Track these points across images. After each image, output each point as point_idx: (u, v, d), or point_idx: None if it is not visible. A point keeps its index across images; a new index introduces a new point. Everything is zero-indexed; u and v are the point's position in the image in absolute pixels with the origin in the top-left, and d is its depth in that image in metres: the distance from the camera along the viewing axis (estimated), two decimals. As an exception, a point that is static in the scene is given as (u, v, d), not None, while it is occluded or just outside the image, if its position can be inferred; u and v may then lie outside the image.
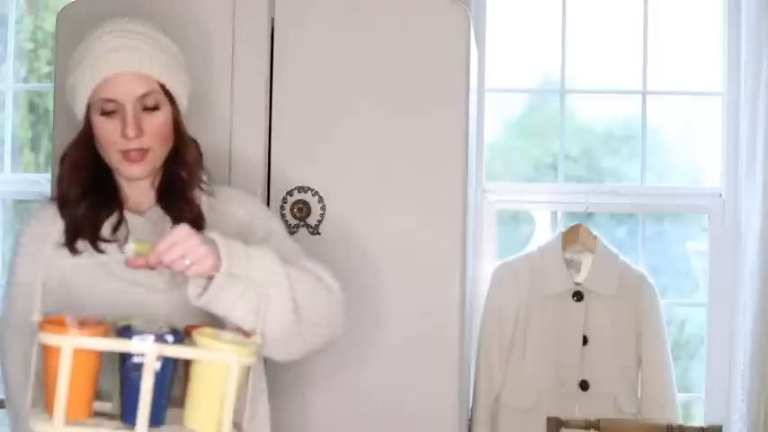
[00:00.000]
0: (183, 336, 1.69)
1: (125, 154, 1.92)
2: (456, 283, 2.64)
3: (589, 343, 3.23)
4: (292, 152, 2.64)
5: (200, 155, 2.04)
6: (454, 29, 2.65)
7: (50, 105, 3.08)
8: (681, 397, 3.32)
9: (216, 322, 1.79)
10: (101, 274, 1.94)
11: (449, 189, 2.64)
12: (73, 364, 1.61)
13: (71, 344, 1.61)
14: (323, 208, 2.63)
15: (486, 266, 3.45)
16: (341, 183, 2.64)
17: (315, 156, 2.65)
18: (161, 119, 1.94)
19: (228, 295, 1.76)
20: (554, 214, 3.61)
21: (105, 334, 1.65)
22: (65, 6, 2.73)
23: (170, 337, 1.65)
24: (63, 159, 2.00)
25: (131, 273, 1.87)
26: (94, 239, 1.94)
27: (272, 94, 2.65)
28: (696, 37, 3.59)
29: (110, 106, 1.91)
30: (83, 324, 1.65)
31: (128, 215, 1.98)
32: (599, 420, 2.79)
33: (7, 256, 3.76)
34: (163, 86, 1.94)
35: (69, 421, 1.64)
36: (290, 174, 2.63)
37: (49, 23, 3.72)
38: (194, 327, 1.74)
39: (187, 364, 1.68)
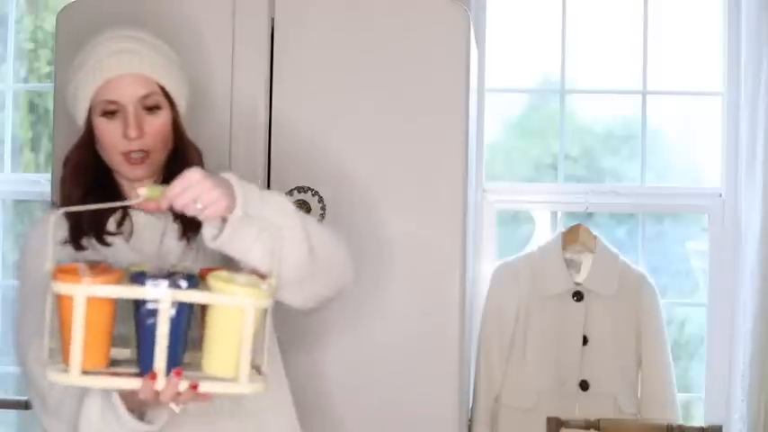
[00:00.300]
0: (197, 280, 1.69)
1: (126, 156, 1.93)
2: (456, 283, 2.64)
3: (589, 343, 3.23)
4: (292, 152, 2.64)
5: (200, 156, 2.04)
6: (454, 29, 2.65)
7: (50, 105, 3.08)
8: (681, 397, 3.32)
9: (231, 266, 1.78)
10: None
11: (449, 189, 2.64)
12: (87, 313, 1.61)
13: (84, 292, 1.60)
14: (323, 208, 2.63)
15: (486, 266, 3.45)
16: (341, 183, 2.64)
17: (315, 156, 2.64)
18: (161, 120, 1.96)
19: (244, 237, 1.76)
20: (554, 214, 3.61)
21: (118, 281, 1.65)
22: (65, 6, 2.73)
23: (183, 283, 1.65)
24: (65, 163, 2.01)
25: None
26: (100, 234, 1.95)
27: (272, 94, 2.65)
28: (696, 37, 3.59)
29: (111, 107, 1.93)
30: (96, 271, 1.64)
31: (132, 212, 1.99)
32: (599, 420, 2.79)
33: (8, 256, 3.77)
34: (162, 88, 1.96)
35: (86, 371, 1.63)
36: (290, 174, 2.63)
37: (49, 23, 3.72)
38: (210, 270, 1.73)
39: (204, 307, 1.68)
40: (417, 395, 2.62)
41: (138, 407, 1.75)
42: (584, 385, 3.21)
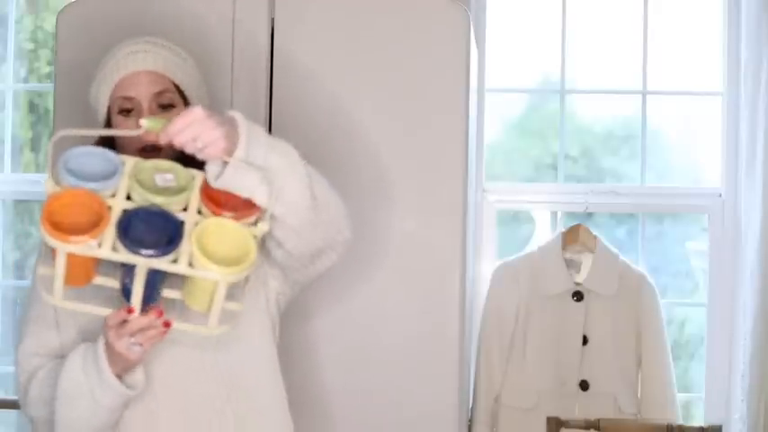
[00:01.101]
0: (179, 236, 1.76)
1: (142, 152, 1.95)
2: (456, 283, 2.64)
3: (589, 343, 3.23)
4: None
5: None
6: (454, 29, 2.65)
7: (50, 105, 3.08)
8: (681, 397, 3.32)
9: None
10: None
11: (449, 189, 2.64)
12: (70, 255, 1.73)
13: (65, 250, 1.72)
14: (323, 208, 2.62)
15: (486, 266, 3.45)
16: (341, 183, 2.63)
17: (315, 156, 2.64)
18: (175, 116, 1.96)
19: (247, 178, 1.79)
20: (554, 214, 3.61)
21: (107, 222, 1.74)
22: (65, 6, 2.73)
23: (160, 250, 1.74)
24: None
25: None
26: None
27: (272, 94, 2.65)
28: (696, 37, 3.59)
29: (127, 104, 2.00)
30: (88, 209, 1.75)
31: None
32: (599, 420, 2.79)
33: (8, 256, 3.77)
34: (177, 87, 2.03)
35: (69, 292, 1.78)
36: (290, 174, 2.63)
37: (49, 23, 3.72)
38: (212, 198, 1.80)
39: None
40: (417, 395, 2.62)
41: (119, 370, 1.83)
42: (584, 385, 3.21)
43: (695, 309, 3.71)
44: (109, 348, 1.82)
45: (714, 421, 3.17)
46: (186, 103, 2.03)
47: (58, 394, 1.88)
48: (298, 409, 2.46)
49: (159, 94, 2.00)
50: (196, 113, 1.76)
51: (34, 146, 3.83)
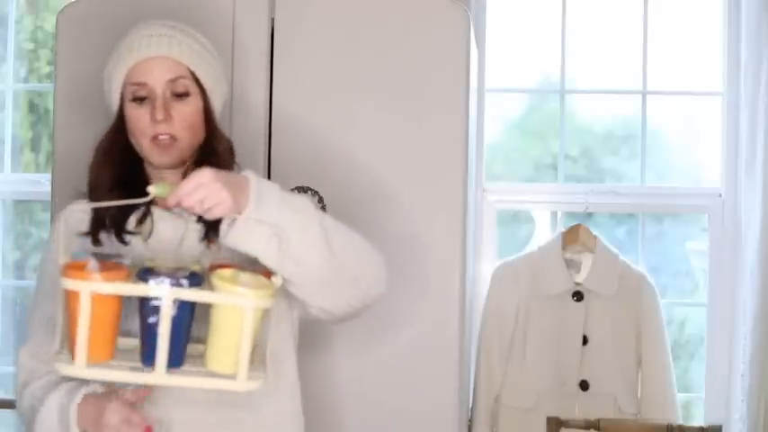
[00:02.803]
0: (202, 279, 1.71)
1: (154, 140, 1.92)
2: (456, 283, 2.64)
3: (589, 343, 3.23)
4: (292, 152, 2.64)
5: (232, 149, 2.03)
6: (454, 29, 2.65)
7: (50, 105, 3.08)
8: (681, 397, 3.32)
9: (246, 264, 1.80)
10: None
11: (449, 189, 2.64)
12: (93, 308, 1.65)
13: (88, 288, 1.64)
14: (323, 208, 2.63)
15: (486, 266, 3.45)
16: (341, 183, 2.63)
17: (315, 156, 2.64)
18: (190, 107, 1.95)
19: (255, 237, 1.77)
20: (554, 214, 3.61)
21: (125, 278, 1.68)
22: (65, 6, 2.73)
23: (185, 281, 1.68)
24: (97, 148, 2.01)
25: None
26: (119, 232, 1.95)
27: (272, 94, 2.65)
28: (696, 37, 3.59)
29: (141, 92, 1.93)
30: (104, 267, 1.68)
31: (154, 209, 1.98)
32: (599, 420, 2.79)
33: (8, 257, 3.77)
34: (193, 74, 1.96)
35: (91, 363, 1.68)
36: (289, 174, 2.63)
37: (49, 23, 3.72)
38: (221, 266, 1.76)
39: (208, 305, 1.71)
40: (417, 395, 2.62)
41: (95, 416, 1.79)
42: (584, 385, 3.21)
43: (695, 309, 3.71)
44: (94, 410, 1.80)
45: (714, 421, 3.17)
46: (203, 92, 1.97)
47: (35, 429, 1.87)
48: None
49: (174, 80, 1.93)
50: (203, 176, 1.73)
51: (34, 146, 3.83)
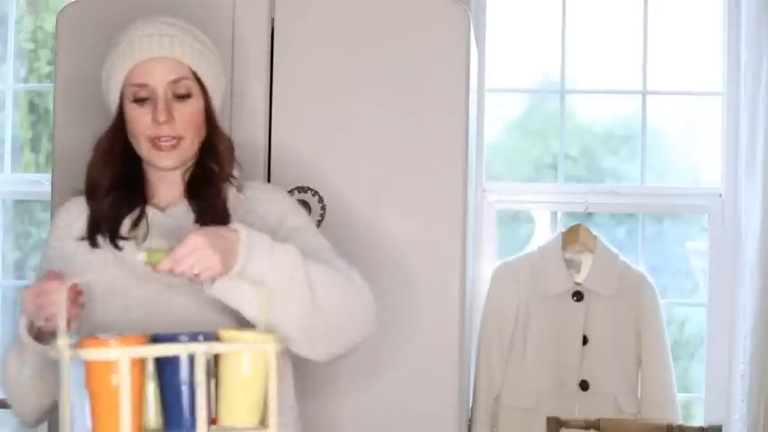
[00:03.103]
0: (212, 336, 1.68)
1: (155, 143, 1.91)
2: (456, 283, 2.64)
3: (589, 343, 3.23)
4: (292, 152, 2.64)
5: (232, 148, 2.02)
6: (454, 29, 2.65)
7: (50, 105, 3.08)
8: (681, 397, 3.32)
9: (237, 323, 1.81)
10: (125, 275, 1.93)
11: (449, 189, 2.64)
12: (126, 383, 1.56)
13: (128, 354, 1.54)
14: (323, 208, 2.63)
15: (486, 266, 3.44)
16: (341, 183, 2.63)
17: (315, 156, 2.64)
18: (192, 107, 1.93)
19: (240, 293, 1.77)
20: (554, 214, 3.61)
21: (145, 343, 1.63)
22: (65, 6, 2.73)
23: (201, 337, 1.64)
24: (95, 148, 1.99)
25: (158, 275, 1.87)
26: (113, 236, 1.94)
27: (272, 94, 2.65)
28: (696, 37, 3.59)
29: (142, 93, 1.91)
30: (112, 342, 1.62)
31: (150, 211, 1.97)
32: (599, 420, 2.79)
33: (8, 257, 3.77)
34: (195, 74, 1.94)
35: None
36: (289, 174, 2.63)
37: (49, 23, 3.72)
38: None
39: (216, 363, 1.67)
40: (417, 395, 2.62)
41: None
42: (584, 385, 3.21)
43: (695, 309, 3.70)
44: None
45: (714, 421, 3.16)
46: (204, 92, 1.95)
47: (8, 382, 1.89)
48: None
49: (176, 81, 1.91)
50: (195, 242, 1.72)
51: (34, 146, 3.83)
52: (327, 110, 2.65)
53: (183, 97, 1.92)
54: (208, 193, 1.97)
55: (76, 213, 2.00)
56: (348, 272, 1.91)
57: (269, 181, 2.65)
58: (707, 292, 3.51)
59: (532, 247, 3.40)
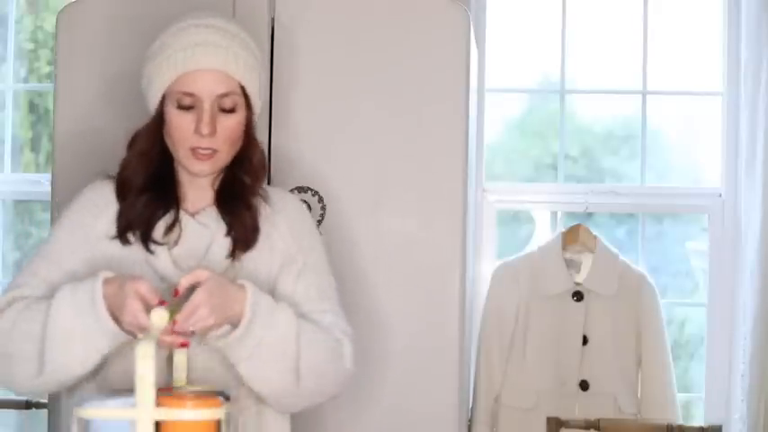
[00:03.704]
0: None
1: (194, 151, 1.90)
2: (456, 283, 2.64)
3: (589, 343, 3.23)
4: (292, 152, 2.64)
5: (265, 162, 2.03)
6: (454, 29, 2.65)
7: (50, 105, 3.08)
8: (681, 397, 3.32)
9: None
10: (155, 278, 1.93)
11: (449, 189, 2.64)
12: None
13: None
14: (323, 208, 2.62)
15: (486, 266, 3.44)
16: (341, 183, 2.63)
17: (314, 156, 2.64)
18: (235, 121, 1.92)
19: (235, 354, 1.85)
20: (554, 214, 3.61)
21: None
22: (65, 6, 2.73)
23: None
24: (130, 145, 1.98)
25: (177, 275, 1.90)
26: (146, 238, 1.94)
27: (272, 95, 2.65)
28: (696, 37, 3.59)
29: (187, 100, 1.89)
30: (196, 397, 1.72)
31: (182, 216, 1.97)
32: (599, 420, 2.79)
33: (8, 257, 3.77)
34: (242, 88, 1.92)
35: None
36: (289, 174, 2.63)
37: (50, 23, 3.72)
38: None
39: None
40: (417, 395, 2.62)
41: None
42: (584, 385, 3.21)
43: (695, 309, 3.70)
44: (111, 299, 1.78)
45: (714, 421, 3.16)
46: (248, 105, 1.94)
47: (49, 335, 1.80)
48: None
49: (224, 95, 1.89)
50: (199, 299, 1.78)
51: (34, 146, 3.83)
52: (327, 110, 2.64)
53: (228, 112, 1.91)
54: (239, 206, 1.98)
55: (109, 199, 1.98)
56: (340, 335, 1.96)
57: (269, 181, 2.64)
58: (707, 292, 3.51)
59: (532, 247, 3.40)
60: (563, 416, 2.88)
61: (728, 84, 3.48)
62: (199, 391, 1.76)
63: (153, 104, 1.94)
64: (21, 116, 3.80)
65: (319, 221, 2.61)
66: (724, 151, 3.49)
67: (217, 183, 2.00)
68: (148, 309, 1.76)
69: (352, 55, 2.64)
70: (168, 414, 1.68)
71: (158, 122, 1.94)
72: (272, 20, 2.66)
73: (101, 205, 1.98)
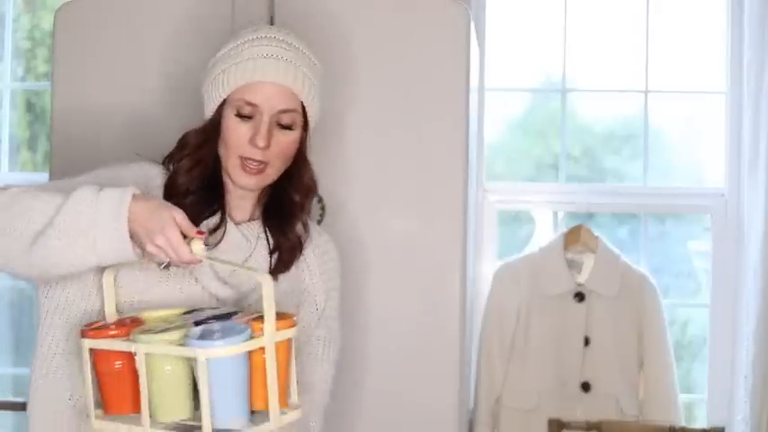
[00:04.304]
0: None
1: (244, 162, 1.89)
2: (456, 284, 2.63)
3: (591, 344, 3.22)
4: (317, 180, 2.62)
5: (314, 180, 2.02)
6: (455, 28, 2.64)
7: (48, 104, 3.07)
8: (683, 398, 3.31)
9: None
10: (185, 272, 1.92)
11: (449, 189, 2.63)
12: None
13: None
14: (322, 208, 2.61)
15: (486, 267, 3.43)
16: (341, 183, 2.62)
17: (314, 156, 2.63)
18: (290, 138, 1.92)
19: None
20: (555, 214, 3.60)
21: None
22: (62, 5, 2.72)
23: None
24: (182, 146, 1.95)
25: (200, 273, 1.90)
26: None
27: (272, 94, 2.64)
28: (699, 36, 3.58)
29: (247, 110, 1.89)
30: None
31: (229, 223, 1.95)
32: (601, 422, 2.78)
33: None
34: (303, 107, 1.93)
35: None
36: (289, 173, 2.62)
37: (47, 22, 3.71)
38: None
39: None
40: (418, 396, 2.61)
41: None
42: (585, 386, 3.20)
43: (698, 309, 3.69)
44: (135, 215, 1.73)
45: (717, 423, 3.15)
46: (305, 126, 1.95)
47: (56, 222, 1.72)
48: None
49: (284, 111, 1.90)
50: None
51: (31, 145, 3.83)
52: (327, 109, 2.63)
53: (284, 128, 1.91)
54: (287, 225, 1.98)
55: (156, 182, 1.94)
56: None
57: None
58: (709, 293, 3.50)
59: (533, 247, 3.39)
60: (564, 417, 2.87)
61: (731, 83, 3.47)
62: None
63: (212, 108, 1.94)
64: (18, 115, 3.80)
65: (319, 221, 2.60)
66: (727, 151, 3.48)
67: (264, 198, 1.99)
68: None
69: (351, 54, 2.63)
70: (283, 335, 1.70)
71: (215, 126, 1.93)
72: (272, 20, 2.64)
73: (143, 176, 1.94)
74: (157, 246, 1.72)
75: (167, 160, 1.97)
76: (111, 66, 2.63)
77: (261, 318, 1.69)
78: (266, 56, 1.90)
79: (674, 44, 3.56)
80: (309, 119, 1.95)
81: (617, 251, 3.29)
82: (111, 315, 1.82)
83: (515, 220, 3.70)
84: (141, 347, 1.68)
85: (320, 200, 2.62)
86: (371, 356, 2.61)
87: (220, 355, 1.64)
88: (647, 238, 3.55)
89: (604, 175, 3.73)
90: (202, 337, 1.66)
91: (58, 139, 2.66)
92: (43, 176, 3.42)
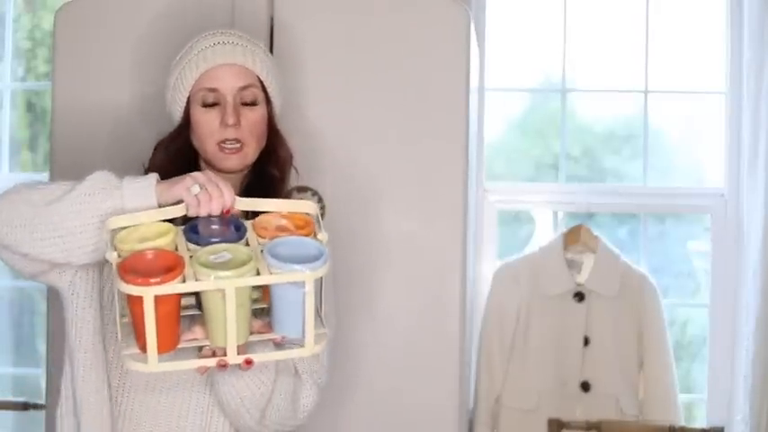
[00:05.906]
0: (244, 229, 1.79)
1: (221, 146, 1.97)
2: (456, 284, 2.63)
3: (590, 344, 3.22)
4: (292, 152, 2.62)
5: (291, 157, 2.09)
6: (454, 28, 2.64)
7: (48, 104, 3.07)
8: (683, 398, 3.31)
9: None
10: None
11: (449, 189, 2.62)
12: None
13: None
14: (322, 208, 2.61)
15: (486, 267, 3.43)
16: (341, 183, 2.62)
17: (314, 156, 2.63)
18: (257, 114, 2.00)
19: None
20: (555, 214, 3.60)
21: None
22: (63, 5, 2.72)
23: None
24: (156, 149, 2.04)
25: None
26: None
27: (272, 94, 2.64)
28: (698, 36, 3.58)
29: (210, 97, 1.98)
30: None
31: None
32: (600, 422, 2.79)
33: (5, 257, 3.75)
34: (261, 83, 2.01)
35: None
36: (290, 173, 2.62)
37: (47, 22, 3.71)
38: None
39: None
40: (417, 395, 2.61)
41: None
42: (585, 386, 3.20)
43: (697, 309, 3.69)
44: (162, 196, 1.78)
45: (716, 422, 3.15)
46: (268, 101, 2.03)
47: (66, 198, 1.78)
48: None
49: (244, 88, 1.99)
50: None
51: (32, 145, 3.83)
52: (327, 109, 2.63)
53: (250, 104, 2.00)
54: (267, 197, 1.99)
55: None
56: (313, 375, 1.99)
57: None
58: (709, 293, 3.50)
59: (533, 247, 3.39)
60: (564, 417, 2.87)
61: (731, 83, 3.47)
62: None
63: (179, 112, 2.03)
64: (18, 115, 3.80)
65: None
66: (726, 151, 3.48)
67: (245, 183, 2.04)
68: None
69: (351, 54, 2.63)
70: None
71: (185, 126, 2.02)
72: (272, 19, 2.64)
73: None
74: (195, 179, 1.77)
75: (148, 169, 2.00)
76: (111, 66, 2.63)
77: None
78: (215, 44, 2.01)
79: (673, 44, 3.56)
80: (269, 93, 2.03)
81: (617, 251, 3.29)
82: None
83: (515, 220, 3.70)
84: (234, 282, 1.67)
85: (320, 200, 2.62)
86: (371, 356, 2.61)
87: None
88: (646, 238, 3.55)
89: (604, 175, 3.73)
90: (275, 256, 1.70)
91: (58, 139, 2.66)
92: (43, 177, 3.42)
